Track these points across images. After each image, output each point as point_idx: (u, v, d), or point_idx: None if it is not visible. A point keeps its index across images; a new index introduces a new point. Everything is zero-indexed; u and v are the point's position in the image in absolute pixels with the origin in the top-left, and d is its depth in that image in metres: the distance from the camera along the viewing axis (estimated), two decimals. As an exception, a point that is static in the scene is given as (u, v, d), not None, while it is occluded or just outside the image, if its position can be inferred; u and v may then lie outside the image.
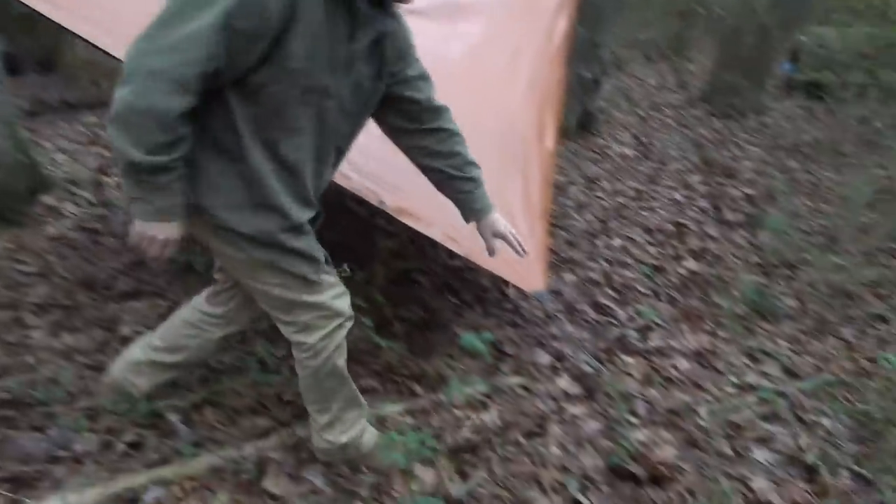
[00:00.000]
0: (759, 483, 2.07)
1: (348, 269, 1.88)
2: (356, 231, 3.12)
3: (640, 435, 2.20)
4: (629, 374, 2.58)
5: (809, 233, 4.16)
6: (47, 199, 3.25)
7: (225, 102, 1.37)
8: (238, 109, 1.38)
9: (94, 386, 2.06)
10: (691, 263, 3.65)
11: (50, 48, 5.31)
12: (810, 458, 2.19)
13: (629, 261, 3.62)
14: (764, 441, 2.28)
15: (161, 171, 1.30)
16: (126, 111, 1.25)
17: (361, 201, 2.13)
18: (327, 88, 1.44)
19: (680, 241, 3.94)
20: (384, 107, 1.67)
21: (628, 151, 5.67)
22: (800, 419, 2.42)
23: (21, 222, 2.99)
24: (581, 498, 1.93)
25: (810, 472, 2.15)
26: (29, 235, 2.93)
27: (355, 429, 1.86)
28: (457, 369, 2.44)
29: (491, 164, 1.93)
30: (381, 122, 1.75)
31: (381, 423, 2.09)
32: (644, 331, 2.91)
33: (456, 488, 1.89)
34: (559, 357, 2.63)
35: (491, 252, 1.88)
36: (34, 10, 1.95)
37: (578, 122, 5.72)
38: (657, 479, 2.03)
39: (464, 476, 1.96)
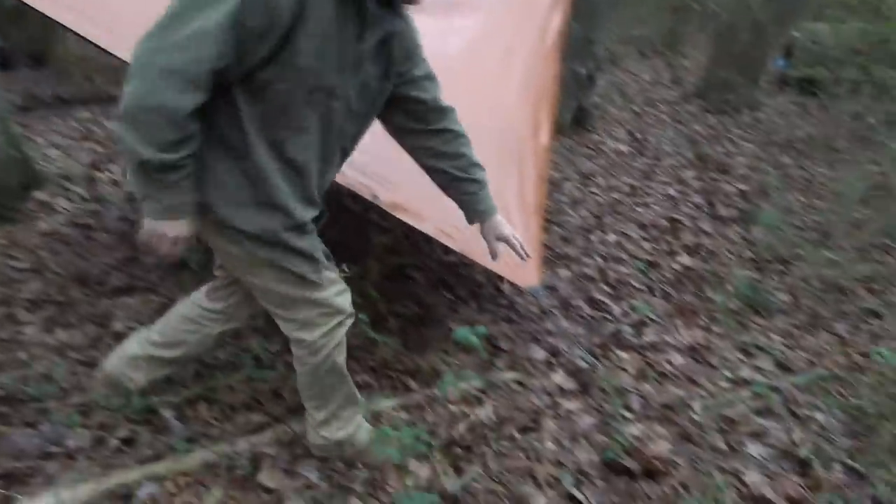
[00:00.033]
0: (753, 477, 2.08)
1: (346, 269, 1.87)
2: (350, 227, 3.11)
3: (635, 429, 2.21)
4: (623, 369, 2.58)
5: (803, 228, 4.17)
6: (40, 195, 3.23)
7: (232, 100, 1.36)
8: (244, 107, 1.37)
9: (87, 382, 2.05)
10: (685, 259, 3.66)
11: (41, 42, 5.28)
12: (803, 452, 2.20)
13: (624, 256, 3.63)
14: (757, 435, 2.29)
15: (171, 168, 1.29)
16: (135, 109, 1.24)
17: (355, 196, 2.12)
18: (334, 88, 1.43)
19: (674, 237, 3.95)
20: (390, 107, 1.67)
21: (623, 147, 5.68)
22: (793, 414, 2.43)
23: (13, 218, 2.98)
24: (575, 492, 1.94)
25: (803, 466, 2.16)
26: (21, 231, 2.91)
27: (351, 425, 1.86)
28: (451, 364, 2.44)
29: (486, 160, 1.92)
30: (387, 122, 1.74)
31: (375, 418, 2.09)
32: (638, 326, 2.92)
33: (451, 483, 1.89)
34: (554, 352, 2.63)
35: (494, 256, 1.88)
36: (24, 2, 1.94)
37: (573, 118, 5.72)
38: (651, 474, 2.03)
39: (458, 471, 1.96)
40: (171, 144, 1.26)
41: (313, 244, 1.59)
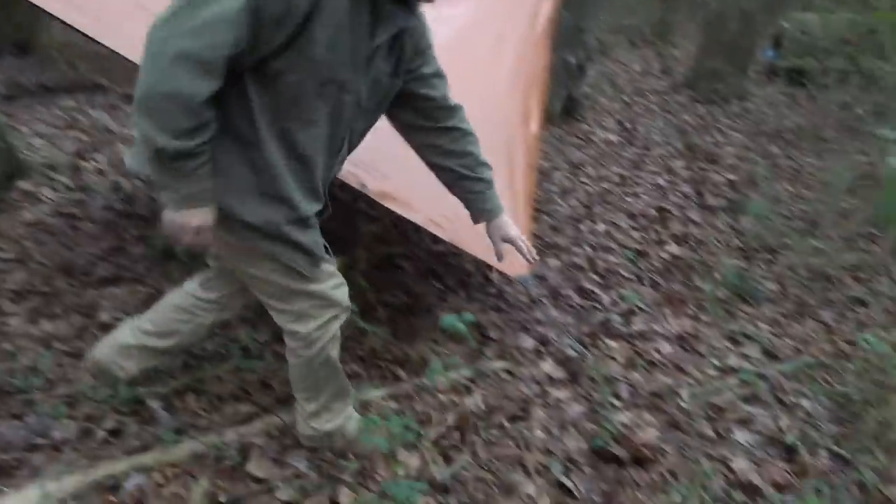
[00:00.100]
0: (740, 463, 2.09)
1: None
2: (338, 216, 3.09)
3: (623, 417, 2.22)
4: (613, 358, 2.59)
5: (790, 217, 4.20)
6: (24, 185, 3.19)
7: (242, 89, 1.34)
8: (255, 97, 1.36)
9: (73, 373, 2.03)
10: (674, 248, 3.67)
11: (26, 30, 5.20)
12: (790, 438, 2.22)
13: (613, 246, 3.64)
14: (744, 422, 2.31)
15: (188, 156, 1.27)
16: (150, 95, 1.21)
17: (343, 185, 2.11)
18: (345, 83, 1.41)
19: (663, 226, 3.96)
20: (398, 103, 1.66)
21: (612, 137, 5.68)
22: (780, 401, 2.45)
23: (-3, 208, 2.94)
24: (564, 480, 1.95)
25: (790, 453, 2.18)
26: (5, 221, 2.87)
27: (341, 417, 1.86)
28: (440, 354, 2.44)
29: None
30: (395, 119, 1.73)
31: (364, 407, 2.08)
32: (627, 315, 2.93)
33: (440, 472, 1.90)
34: (543, 341, 2.63)
35: (500, 257, 1.88)
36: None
37: (563, 108, 5.71)
38: (640, 461, 2.05)
39: (448, 460, 1.97)
40: (186, 132, 1.24)
41: (314, 239, 1.57)
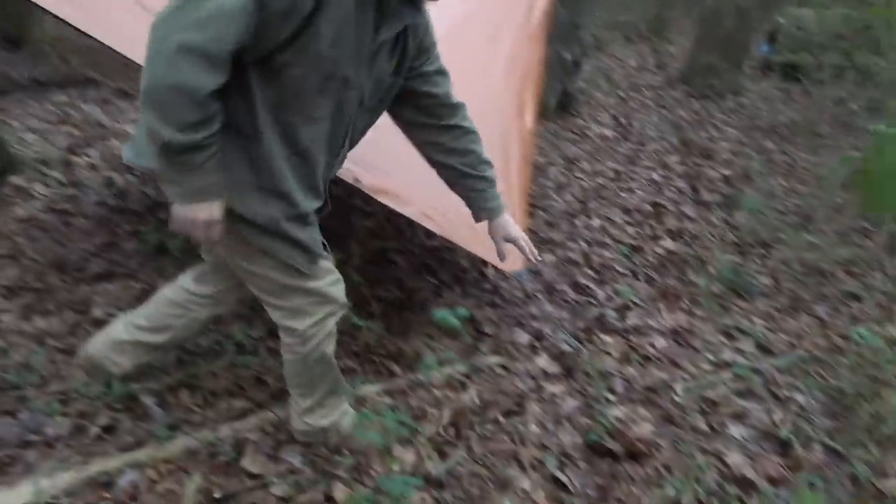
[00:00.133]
0: (734, 458, 2.10)
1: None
2: (333, 210, 3.08)
3: (618, 412, 2.22)
4: (607, 353, 2.59)
5: (784, 212, 4.20)
6: (16, 180, 3.17)
7: (245, 83, 1.33)
8: (258, 91, 1.35)
9: (66, 369, 2.02)
10: (669, 243, 3.68)
11: (17, 24, 5.16)
12: (784, 432, 2.23)
13: (608, 241, 3.64)
14: (739, 417, 2.31)
15: (195, 149, 1.26)
16: (156, 87, 1.20)
17: (337, 180, 2.10)
18: (349, 79, 1.40)
19: (658, 222, 3.96)
20: (401, 101, 1.65)
21: (607, 132, 5.68)
22: (774, 395, 2.46)
23: (-11, 204, 2.92)
24: (559, 475, 1.95)
25: (784, 447, 2.18)
26: (-3, 217, 2.86)
27: (336, 413, 1.86)
28: (435, 349, 2.44)
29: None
30: (397, 116, 1.72)
31: (359, 403, 2.08)
32: (622, 310, 2.93)
33: (435, 467, 1.89)
34: (538, 336, 2.63)
35: (502, 257, 1.87)
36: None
37: (558, 103, 5.71)
38: (634, 455, 2.05)
39: (443, 455, 1.96)
40: (192, 125, 1.23)
41: (312, 236, 1.56)
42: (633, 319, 2.86)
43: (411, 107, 1.68)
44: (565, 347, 2.56)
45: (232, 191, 1.41)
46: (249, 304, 2.33)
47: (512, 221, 1.84)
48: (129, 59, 1.95)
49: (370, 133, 1.80)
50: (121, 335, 1.88)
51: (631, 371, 2.49)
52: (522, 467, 1.96)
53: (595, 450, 2.07)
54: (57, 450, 1.76)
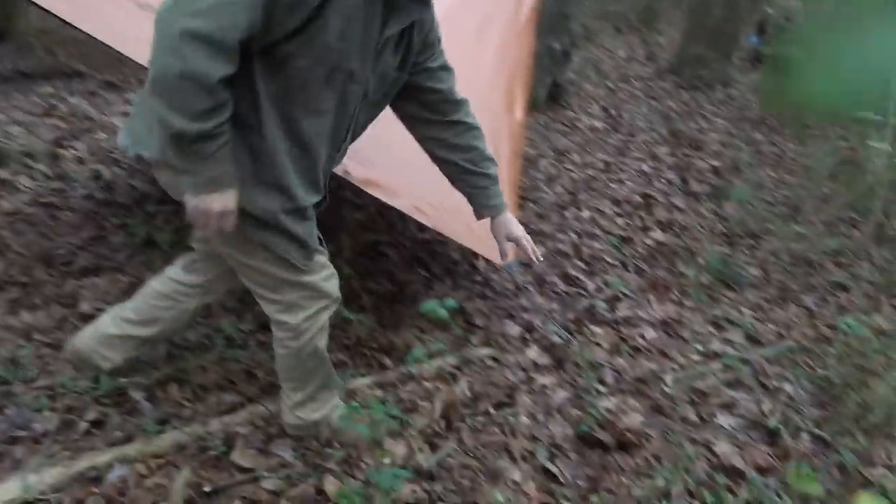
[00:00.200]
0: (723, 447, 2.12)
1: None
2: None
3: (608, 403, 2.23)
4: (598, 344, 2.60)
5: (773, 203, 4.23)
6: (2, 174, 3.13)
7: (250, 73, 1.31)
8: (262, 82, 1.33)
9: (54, 364, 2.01)
10: (658, 234, 3.69)
11: (2, 16, 5.08)
12: (772, 422, 2.24)
13: (598, 232, 3.65)
14: (728, 407, 2.33)
15: (206, 138, 1.24)
16: (163, 76, 1.18)
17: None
18: (354, 72, 1.39)
19: (647, 213, 3.97)
20: (404, 96, 1.64)
21: (597, 124, 5.68)
22: (762, 385, 2.48)
23: (-27, 197, 2.89)
24: (550, 466, 1.96)
25: (772, 436, 2.20)
26: (-18, 211, 2.82)
27: (327, 407, 1.85)
28: (426, 342, 2.44)
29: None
30: (400, 111, 1.71)
31: (350, 396, 2.08)
32: (612, 301, 2.94)
33: (426, 459, 1.90)
34: (529, 328, 2.64)
35: (503, 255, 1.87)
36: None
37: (548, 95, 5.70)
38: (624, 446, 2.06)
39: (434, 447, 1.97)
40: (202, 113, 1.21)
41: (310, 230, 1.55)
42: (622, 311, 2.87)
43: (415, 102, 1.67)
44: (556, 339, 2.57)
45: None
46: (238, 297, 2.32)
47: (514, 219, 1.83)
48: (114, 50, 1.93)
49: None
50: (109, 329, 1.86)
51: (621, 362, 2.50)
52: (513, 459, 1.97)
53: (585, 441, 2.08)
54: (45, 445, 1.75)
